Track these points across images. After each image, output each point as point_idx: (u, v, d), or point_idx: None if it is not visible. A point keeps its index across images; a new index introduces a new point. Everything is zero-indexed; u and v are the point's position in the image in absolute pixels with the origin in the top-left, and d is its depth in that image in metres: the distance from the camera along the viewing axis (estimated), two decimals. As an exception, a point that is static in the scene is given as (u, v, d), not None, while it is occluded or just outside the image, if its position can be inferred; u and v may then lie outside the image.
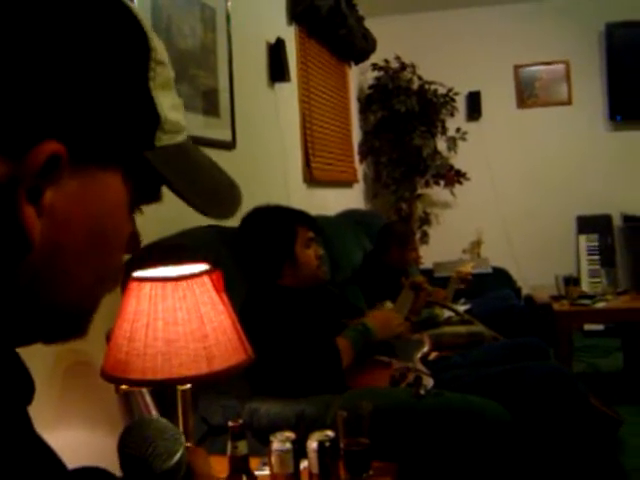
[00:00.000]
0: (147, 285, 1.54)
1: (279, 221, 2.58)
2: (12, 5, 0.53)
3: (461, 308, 3.98)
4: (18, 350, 0.58)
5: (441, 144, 6.06)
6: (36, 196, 0.53)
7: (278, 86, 3.95)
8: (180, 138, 0.67)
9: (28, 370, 0.58)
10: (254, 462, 1.75)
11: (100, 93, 0.57)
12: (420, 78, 6.02)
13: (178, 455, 0.79)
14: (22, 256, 0.54)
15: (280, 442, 1.67)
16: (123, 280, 1.69)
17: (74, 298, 0.61)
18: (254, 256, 2.55)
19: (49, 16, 0.55)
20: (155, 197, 0.68)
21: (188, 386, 1.64)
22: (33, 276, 0.56)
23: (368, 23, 5.62)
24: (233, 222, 2.59)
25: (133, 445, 0.79)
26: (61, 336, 0.63)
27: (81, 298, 0.62)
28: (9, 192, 0.52)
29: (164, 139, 0.64)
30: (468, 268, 4.27)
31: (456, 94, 6.03)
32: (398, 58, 6.02)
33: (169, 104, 0.65)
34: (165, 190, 0.67)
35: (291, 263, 2.56)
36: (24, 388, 0.57)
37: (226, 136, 3.11)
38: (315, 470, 1.68)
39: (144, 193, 0.66)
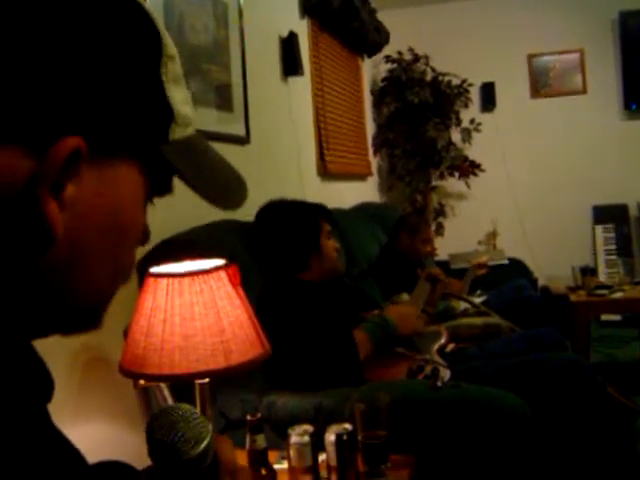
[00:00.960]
0: (164, 281, 1.55)
1: (303, 214, 2.60)
2: (32, 4, 0.54)
3: (477, 300, 3.97)
4: (38, 348, 0.59)
5: (455, 135, 6.04)
6: (58, 190, 0.54)
7: (291, 80, 3.94)
8: (190, 131, 0.68)
9: (48, 369, 0.58)
10: (273, 455, 1.76)
11: (117, 87, 0.58)
12: (433, 70, 6.00)
13: (206, 442, 0.79)
14: (45, 250, 0.55)
15: (298, 435, 1.67)
16: (140, 276, 1.71)
17: (91, 291, 0.62)
18: (277, 250, 2.56)
19: (67, 14, 0.55)
20: (167, 189, 0.69)
21: (206, 380, 1.64)
22: (53, 269, 0.57)
23: (380, 16, 5.61)
24: (246, 216, 2.59)
25: (161, 431, 0.79)
26: (77, 328, 0.64)
27: (97, 291, 0.63)
28: (33, 187, 0.53)
29: (177, 132, 0.65)
30: (483, 259, 4.27)
31: (470, 85, 6.00)
32: (411, 50, 6.00)
33: (180, 98, 0.66)
34: (178, 187, 0.68)
35: (317, 255, 2.59)
36: (44, 387, 0.58)
37: (240, 131, 3.11)
38: (333, 463, 1.68)
39: (157, 185, 0.67)
